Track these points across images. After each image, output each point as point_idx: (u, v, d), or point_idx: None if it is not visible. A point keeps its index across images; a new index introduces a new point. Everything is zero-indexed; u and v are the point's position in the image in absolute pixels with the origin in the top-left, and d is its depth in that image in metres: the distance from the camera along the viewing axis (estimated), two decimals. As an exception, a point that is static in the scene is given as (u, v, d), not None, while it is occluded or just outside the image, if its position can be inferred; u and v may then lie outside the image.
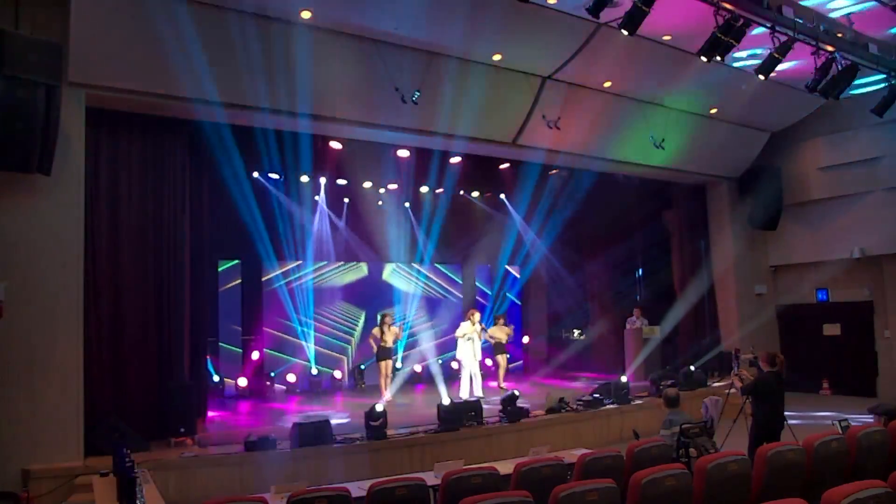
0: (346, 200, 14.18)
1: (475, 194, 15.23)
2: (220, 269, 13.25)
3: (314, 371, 14.02)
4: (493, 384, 13.37)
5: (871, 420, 6.79)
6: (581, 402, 10.37)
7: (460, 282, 16.69)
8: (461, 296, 16.46)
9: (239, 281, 13.57)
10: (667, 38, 9.46)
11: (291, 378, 13.62)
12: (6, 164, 6.93)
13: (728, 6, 7.63)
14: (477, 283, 17.02)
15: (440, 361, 15.64)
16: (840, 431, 6.05)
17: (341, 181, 13.58)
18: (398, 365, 13.45)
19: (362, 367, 14.25)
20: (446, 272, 16.43)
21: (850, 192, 13.13)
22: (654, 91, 11.28)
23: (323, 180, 13.45)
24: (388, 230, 14.65)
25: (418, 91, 9.06)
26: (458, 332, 12.22)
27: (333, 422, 8.68)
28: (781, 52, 8.32)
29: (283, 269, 14.06)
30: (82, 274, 7.72)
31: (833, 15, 8.95)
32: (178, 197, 9.07)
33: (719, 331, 14.37)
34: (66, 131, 7.41)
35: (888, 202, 12.63)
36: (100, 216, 8.34)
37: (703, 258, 14.79)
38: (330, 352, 14.37)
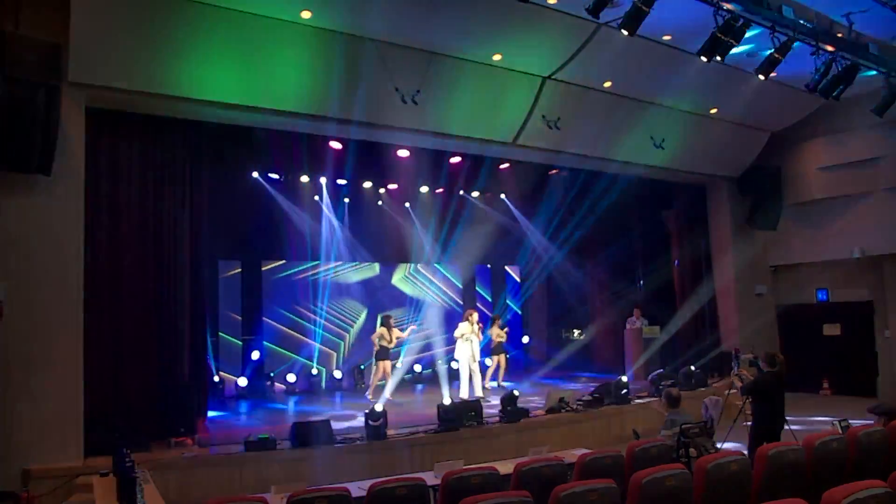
0: (347, 200, 14.18)
1: (475, 194, 15.23)
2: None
3: (314, 371, 14.02)
4: (493, 384, 13.38)
5: (872, 422, 6.79)
6: (581, 402, 10.37)
7: (460, 285, 16.67)
8: (462, 302, 16.46)
9: (238, 269, 13.56)
10: (667, 38, 9.46)
11: (291, 378, 13.62)
12: (6, 164, 6.94)
13: (728, 6, 7.63)
14: (476, 284, 17.02)
15: (440, 362, 15.69)
16: (840, 431, 6.05)
17: (341, 181, 13.58)
18: (397, 365, 13.41)
19: (362, 367, 14.25)
20: (447, 274, 16.41)
21: (850, 192, 13.13)
22: (654, 91, 11.27)
23: (323, 180, 13.44)
24: (387, 230, 14.66)
25: (418, 91, 9.06)
26: (457, 333, 12.23)
27: (344, 424, 8.68)
28: (781, 52, 8.32)
29: (284, 268, 14.07)
30: (82, 274, 7.72)
31: (833, 15, 8.95)
32: (178, 197, 9.06)
33: (719, 331, 14.37)
34: (66, 131, 7.41)
35: (888, 202, 12.63)
36: (100, 216, 8.33)
37: (703, 258, 14.79)
38: (322, 346, 14.34)
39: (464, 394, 11.80)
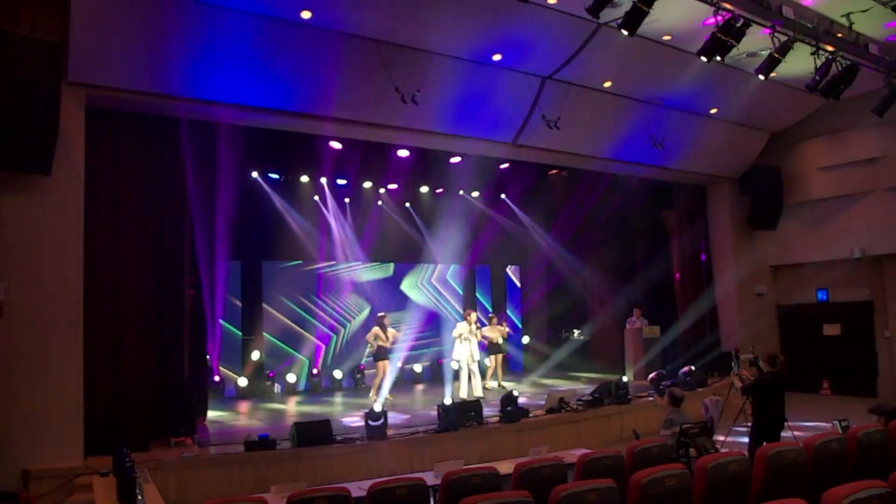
0: (347, 200, 14.18)
1: (475, 194, 15.24)
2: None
3: (314, 371, 14.03)
4: (493, 384, 13.39)
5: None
6: (581, 402, 10.37)
7: (460, 290, 16.66)
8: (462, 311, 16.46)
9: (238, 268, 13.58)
10: (667, 38, 9.46)
11: (291, 378, 13.63)
12: (6, 164, 6.94)
13: (728, 6, 7.63)
14: (476, 284, 17.02)
15: (439, 363, 15.70)
16: (840, 431, 6.05)
17: (341, 181, 13.58)
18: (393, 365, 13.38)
19: (364, 361, 14.26)
20: (456, 287, 16.42)
21: (850, 192, 13.13)
22: (654, 91, 11.28)
23: (324, 180, 13.45)
24: (387, 230, 14.67)
25: (418, 91, 9.06)
26: (455, 333, 12.24)
27: (344, 424, 8.68)
28: (781, 52, 8.32)
29: (284, 268, 14.08)
30: (82, 274, 7.72)
31: (833, 15, 8.95)
32: (178, 197, 9.07)
33: (719, 331, 14.37)
34: (65, 131, 7.41)
35: (888, 202, 12.63)
36: (100, 216, 8.33)
37: (703, 258, 14.79)
38: (313, 337, 14.34)
39: (463, 394, 11.81)
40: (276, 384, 13.36)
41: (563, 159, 12.42)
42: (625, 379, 11.29)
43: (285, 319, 13.92)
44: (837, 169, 13.30)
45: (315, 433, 8.12)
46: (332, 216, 13.96)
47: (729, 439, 9.02)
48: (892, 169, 12.50)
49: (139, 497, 4.98)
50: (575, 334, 16.79)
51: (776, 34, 8.22)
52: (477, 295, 16.96)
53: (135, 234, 8.64)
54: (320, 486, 5.09)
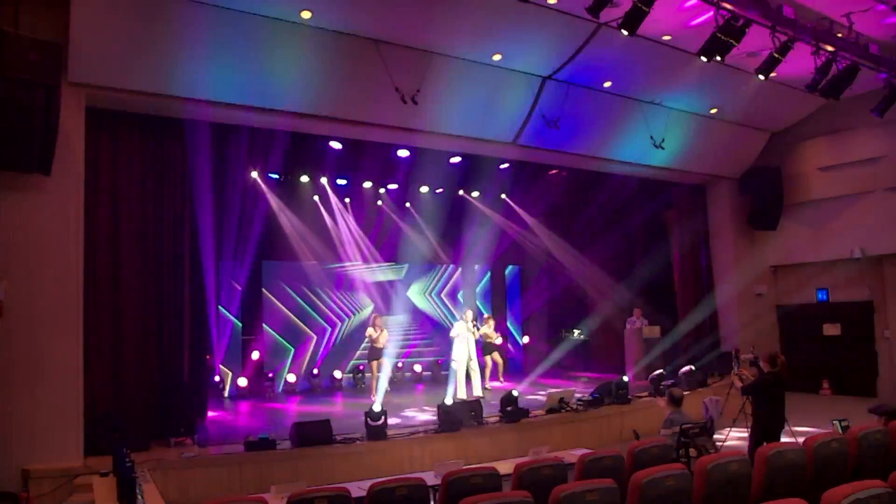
0: (347, 200, 14.18)
1: (475, 194, 15.24)
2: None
3: (315, 371, 14.03)
4: (493, 384, 13.39)
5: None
6: (581, 402, 10.37)
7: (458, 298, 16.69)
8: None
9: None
10: (667, 38, 9.46)
11: (291, 378, 13.62)
12: (6, 164, 6.93)
13: (728, 6, 7.63)
14: (476, 284, 17.02)
15: (439, 363, 15.71)
16: (840, 431, 6.05)
17: (341, 181, 13.58)
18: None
19: (361, 366, 14.27)
20: (460, 299, 16.46)
21: (850, 192, 13.12)
22: (654, 91, 11.28)
23: (324, 180, 13.44)
24: (387, 230, 14.67)
25: (418, 91, 9.06)
26: (453, 333, 12.23)
27: (344, 424, 8.67)
28: (781, 52, 8.32)
29: (284, 266, 14.07)
30: (82, 274, 7.72)
31: (833, 15, 8.95)
32: (178, 197, 9.07)
33: (719, 331, 14.36)
34: (66, 131, 7.41)
35: (888, 202, 12.62)
36: (100, 216, 8.33)
37: (703, 258, 14.79)
38: (311, 331, 14.34)
39: (461, 393, 11.80)
40: (275, 383, 13.38)
41: (563, 159, 12.42)
42: (625, 379, 11.29)
43: (287, 311, 13.95)
44: (837, 169, 13.30)
45: (315, 433, 8.11)
46: (331, 216, 13.95)
47: (729, 439, 9.02)
48: (892, 169, 12.50)
49: (139, 497, 4.97)
50: (575, 334, 16.78)
51: (776, 34, 8.22)
52: (477, 289, 16.97)
53: (135, 234, 8.64)
54: (320, 486, 5.08)
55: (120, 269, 8.50)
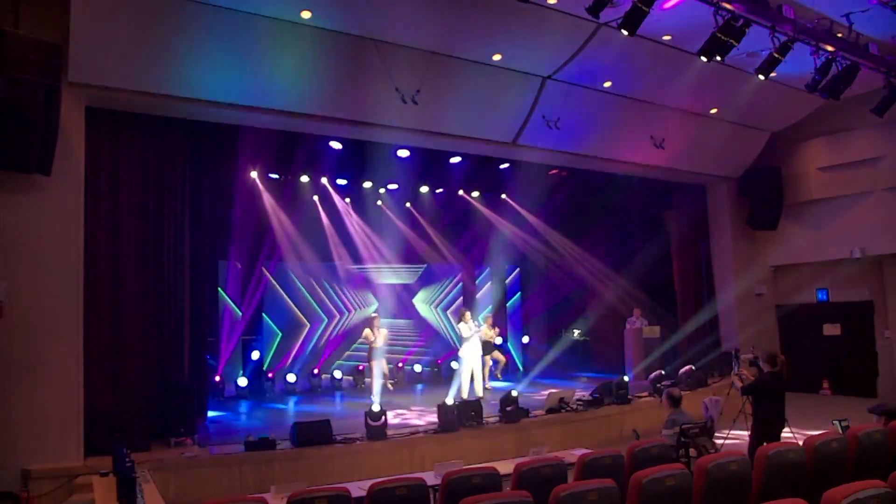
0: (347, 200, 14.18)
1: (475, 194, 15.24)
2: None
3: (315, 370, 14.03)
4: (494, 383, 13.40)
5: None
6: (581, 402, 10.37)
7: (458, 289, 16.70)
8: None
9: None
10: (667, 38, 9.46)
11: (291, 378, 13.62)
12: (6, 164, 6.93)
13: (728, 6, 7.63)
14: (476, 284, 17.01)
15: (438, 363, 15.72)
16: (840, 431, 6.05)
17: (341, 181, 13.57)
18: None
19: (361, 366, 14.27)
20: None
21: (850, 192, 13.13)
22: (654, 91, 11.28)
23: (324, 180, 13.44)
24: (387, 230, 14.66)
25: (418, 91, 9.07)
26: (463, 332, 12.21)
27: (344, 424, 8.67)
28: (781, 52, 8.32)
29: (283, 267, 14.08)
30: (82, 274, 7.72)
31: (833, 15, 8.95)
32: (178, 197, 9.07)
33: (719, 331, 14.37)
34: (66, 131, 7.41)
35: (888, 202, 12.63)
36: (100, 216, 8.34)
37: (703, 258, 14.79)
38: (299, 313, 14.36)
39: (465, 393, 11.79)
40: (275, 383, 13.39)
41: (563, 159, 12.41)
42: (625, 379, 11.29)
43: (287, 299, 13.99)
44: (837, 169, 13.30)
45: (315, 433, 8.12)
46: (330, 216, 13.94)
47: (729, 439, 9.02)
48: (892, 169, 12.50)
49: (139, 497, 4.97)
50: (575, 334, 16.79)
51: (776, 34, 8.22)
52: (477, 289, 16.99)
53: (135, 234, 8.64)
54: (320, 486, 5.08)
55: (120, 269, 8.50)
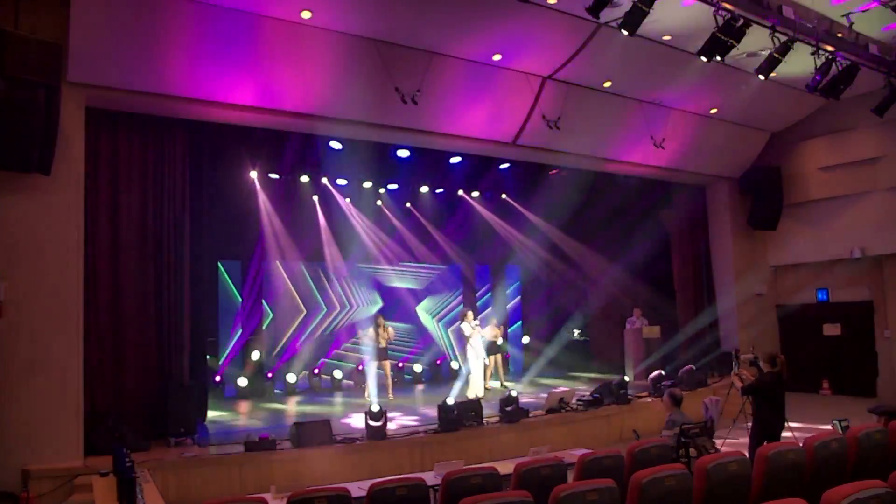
0: (347, 200, 14.17)
1: (475, 194, 15.24)
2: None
3: (315, 370, 14.03)
4: (495, 384, 13.40)
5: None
6: (581, 402, 10.37)
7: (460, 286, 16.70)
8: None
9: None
10: (667, 38, 9.46)
11: (291, 378, 13.62)
12: (6, 164, 6.94)
13: (728, 6, 7.63)
14: (476, 284, 17.00)
15: (438, 363, 15.71)
16: (840, 431, 6.05)
17: (341, 181, 13.57)
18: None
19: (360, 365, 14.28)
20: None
21: (850, 192, 13.13)
22: (654, 91, 11.28)
23: (325, 180, 13.44)
24: (387, 230, 14.66)
25: (418, 91, 9.07)
26: (466, 332, 12.22)
27: (344, 424, 8.67)
28: (781, 52, 8.32)
29: (284, 267, 14.07)
30: (82, 274, 7.72)
31: (833, 15, 8.95)
32: (177, 197, 9.07)
33: (719, 331, 14.37)
34: (65, 131, 7.41)
35: (888, 202, 12.63)
36: (99, 216, 8.34)
37: (703, 258, 14.79)
38: (298, 300, 14.36)
39: (470, 393, 11.79)
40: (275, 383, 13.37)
41: (563, 159, 12.41)
42: (625, 379, 11.29)
43: (291, 287, 13.99)
44: (837, 169, 13.30)
45: (315, 433, 8.12)
46: (329, 216, 13.91)
47: (729, 439, 9.02)
48: (892, 169, 12.50)
49: (139, 497, 4.97)
50: (575, 334, 16.78)
51: (776, 34, 8.22)
52: (477, 290, 16.99)
53: (135, 234, 8.64)
54: (320, 486, 5.08)
55: (120, 268, 8.50)
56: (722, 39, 7.72)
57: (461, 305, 15.76)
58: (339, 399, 13.04)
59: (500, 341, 13.66)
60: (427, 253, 15.25)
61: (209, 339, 11.59)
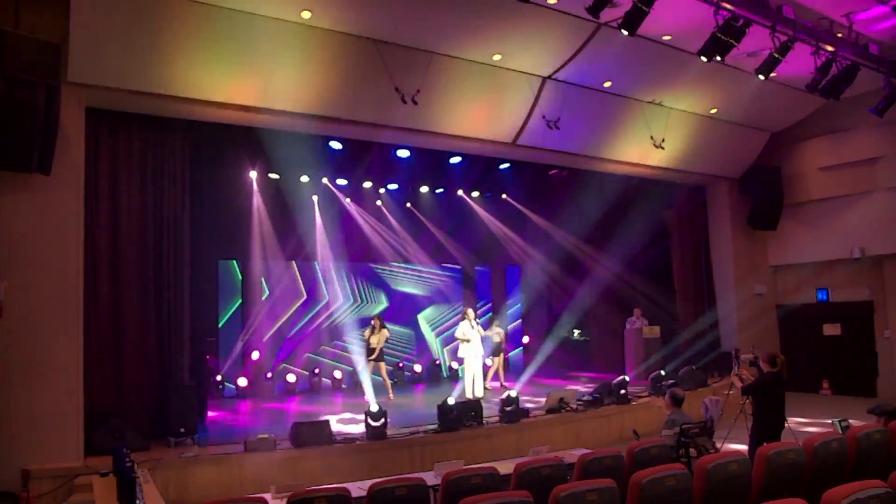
0: (348, 200, 14.17)
1: (475, 194, 15.23)
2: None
3: (315, 370, 14.03)
4: (495, 384, 13.40)
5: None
6: (581, 402, 10.37)
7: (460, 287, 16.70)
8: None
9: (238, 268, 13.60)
10: (667, 38, 9.46)
11: (291, 378, 13.62)
12: (6, 164, 6.93)
13: (728, 6, 7.64)
14: (476, 284, 17.01)
15: (437, 363, 15.71)
16: (840, 431, 6.05)
17: (341, 181, 13.56)
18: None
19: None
20: (448, 274, 16.46)
21: (850, 192, 13.14)
22: (654, 91, 11.28)
23: (325, 180, 13.43)
24: (387, 230, 14.65)
25: (418, 91, 9.07)
26: (458, 333, 12.21)
27: (344, 424, 8.66)
28: (781, 52, 8.33)
29: (282, 267, 14.08)
30: (82, 274, 7.72)
31: (833, 15, 8.95)
32: (177, 197, 9.06)
33: (719, 331, 14.37)
34: (65, 131, 7.41)
35: (888, 202, 12.64)
36: (100, 216, 8.34)
37: (703, 258, 14.79)
38: (297, 300, 14.35)
39: (469, 394, 11.79)
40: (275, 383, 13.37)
41: (563, 159, 12.42)
42: (625, 379, 11.29)
43: (291, 286, 14.01)
44: (837, 169, 13.31)
45: (315, 433, 8.12)
46: (328, 216, 13.91)
47: (729, 439, 9.02)
48: (892, 169, 12.51)
49: (139, 497, 4.97)
50: (575, 334, 16.77)
51: (776, 34, 8.22)
52: (478, 290, 16.98)
53: (135, 234, 8.64)
54: (320, 486, 5.08)
55: (120, 268, 8.50)
56: (722, 39, 7.72)
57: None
58: (338, 399, 13.04)
59: (497, 339, 13.64)
60: (427, 253, 15.25)
61: (209, 339, 11.59)
